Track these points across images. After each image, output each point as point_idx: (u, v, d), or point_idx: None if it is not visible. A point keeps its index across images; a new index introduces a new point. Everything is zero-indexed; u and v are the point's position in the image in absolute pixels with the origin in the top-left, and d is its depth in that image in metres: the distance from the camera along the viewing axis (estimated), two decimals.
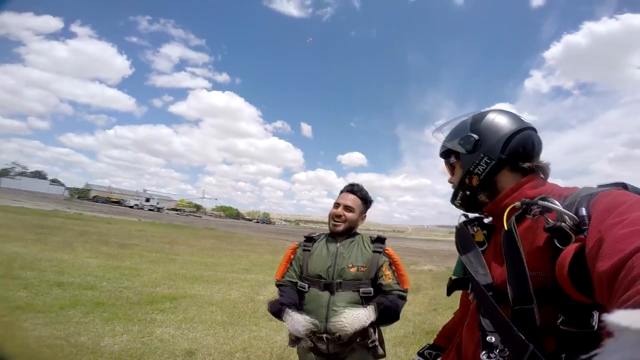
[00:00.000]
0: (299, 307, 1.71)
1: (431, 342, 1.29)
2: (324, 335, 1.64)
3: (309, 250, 1.85)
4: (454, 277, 1.10)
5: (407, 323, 4.65)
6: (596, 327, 0.66)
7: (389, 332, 4.14)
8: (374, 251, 1.78)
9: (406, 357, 3.40)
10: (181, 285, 5.75)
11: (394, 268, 1.77)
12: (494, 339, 0.80)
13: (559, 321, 0.71)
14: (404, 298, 1.71)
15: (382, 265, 1.74)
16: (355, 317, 1.53)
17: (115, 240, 10.63)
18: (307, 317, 1.59)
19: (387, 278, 1.71)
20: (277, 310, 1.65)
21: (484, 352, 0.81)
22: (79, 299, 4.23)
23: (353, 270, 1.71)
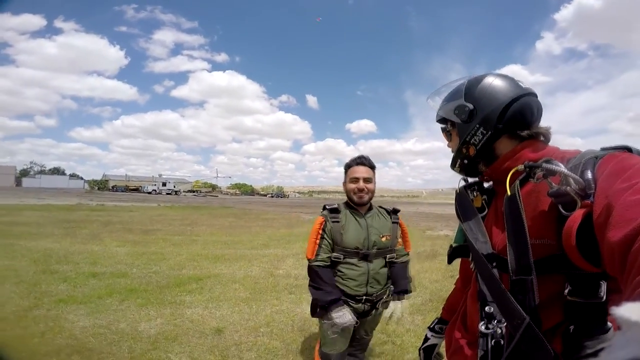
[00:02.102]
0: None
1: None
2: (364, 297, 1.95)
3: (338, 222, 1.97)
4: (454, 245, 1.08)
5: (424, 290, 4.78)
6: (604, 297, 0.65)
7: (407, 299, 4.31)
8: (393, 222, 2.08)
9: (423, 325, 3.48)
10: (205, 266, 6.06)
11: (402, 235, 2.16)
12: (492, 309, 0.78)
13: (565, 291, 0.69)
14: (408, 262, 2.17)
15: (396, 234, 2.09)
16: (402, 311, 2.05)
17: (138, 227, 11.10)
18: (352, 315, 1.89)
19: (398, 244, 2.11)
20: (323, 304, 1.87)
21: (482, 322, 0.80)
22: (113, 288, 4.55)
23: (384, 239, 2.00)
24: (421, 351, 1.22)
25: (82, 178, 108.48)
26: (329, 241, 1.95)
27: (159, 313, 3.73)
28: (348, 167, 2.06)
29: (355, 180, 1.99)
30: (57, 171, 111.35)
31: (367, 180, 2.00)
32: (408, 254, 2.17)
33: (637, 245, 0.46)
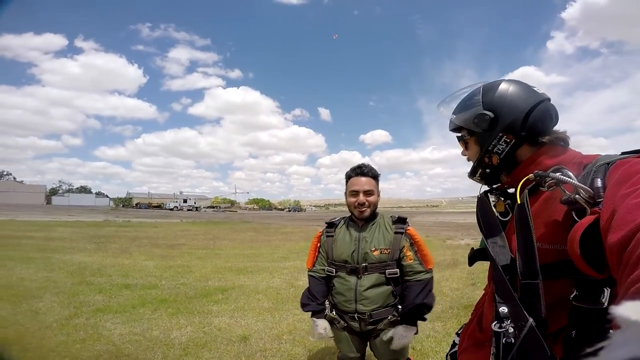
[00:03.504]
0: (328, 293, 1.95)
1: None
2: (355, 315, 1.81)
3: (332, 236, 1.93)
4: (477, 248, 1.07)
5: (445, 298, 4.78)
6: (605, 303, 0.65)
7: None
8: (395, 232, 1.83)
9: (444, 332, 3.54)
10: (229, 278, 6.26)
11: (415, 248, 1.83)
12: (506, 310, 0.80)
13: (571, 296, 0.70)
14: (428, 280, 1.80)
15: (403, 247, 1.81)
16: (403, 341, 1.79)
17: (164, 242, 11.55)
18: (327, 327, 1.88)
19: (409, 259, 1.80)
20: (307, 310, 1.94)
21: (495, 322, 0.82)
22: (145, 298, 4.81)
23: (376, 253, 1.78)
24: (448, 357, 1.18)
25: (107, 196, 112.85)
26: (324, 254, 1.95)
27: (189, 321, 3.93)
28: (348, 177, 1.91)
29: (355, 193, 1.83)
30: (84, 190, 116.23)
31: (368, 193, 1.83)
32: (428, 272, 1.81)
33: (632, 245, 0.47)
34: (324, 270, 1.95)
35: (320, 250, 1.99)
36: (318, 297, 1.92)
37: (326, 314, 1.93)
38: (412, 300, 1.75)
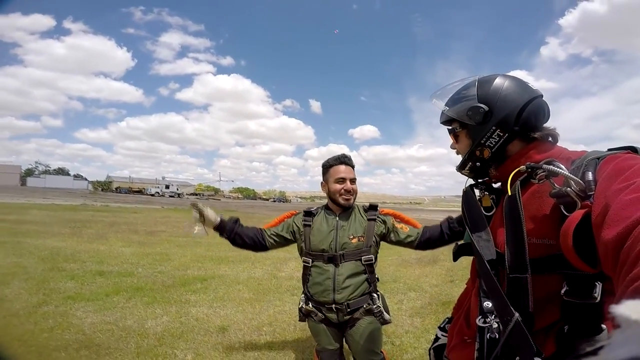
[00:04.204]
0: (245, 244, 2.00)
1: (449, 314, 1.22)
2: (333, 306, 1.80)
3: (309, 225, 1.91)
4: (461, 243, 1.08)
5: (424, 294, 4.82)
6: (598, 298, 0.65)
7: (406, 302, 4.39)
8: (369, 219, 1.88)
9: (422, 327, 3.56)
10: (209, 267, 6.14)
11: (399, 219, 1.94)
12: (490, 305, 0.80)
13: (562, 291, 0.69)
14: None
15: (392, 225, 1.89)
16: None
17: (143, 229, 11.25)
18: (210, 215, 1.99)
19: (404, 229, 1.88)
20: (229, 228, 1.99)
21: (479, 316, 0.82)
22: (120, 286, 4.65)
23: (354, 241, 1.82)
24: (431, 351, 1.18)
25: (86, 179, 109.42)
26: (284, 231, 1.97)
27: (165, 311, 3.82)
28: (330, 166, 1.92)
29: (342, 180, 1.86)
30: (61, 171, 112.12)
31: (353, 181, 1.89)
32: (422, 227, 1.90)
33: (629, 242, 0.47)
34: (273, 240, 1.96)
35: (283, 225, 1.99)
36: (243, 234, 1.97)
37: (301, 307, 1.94)
38: (439, 224, 1.83)
